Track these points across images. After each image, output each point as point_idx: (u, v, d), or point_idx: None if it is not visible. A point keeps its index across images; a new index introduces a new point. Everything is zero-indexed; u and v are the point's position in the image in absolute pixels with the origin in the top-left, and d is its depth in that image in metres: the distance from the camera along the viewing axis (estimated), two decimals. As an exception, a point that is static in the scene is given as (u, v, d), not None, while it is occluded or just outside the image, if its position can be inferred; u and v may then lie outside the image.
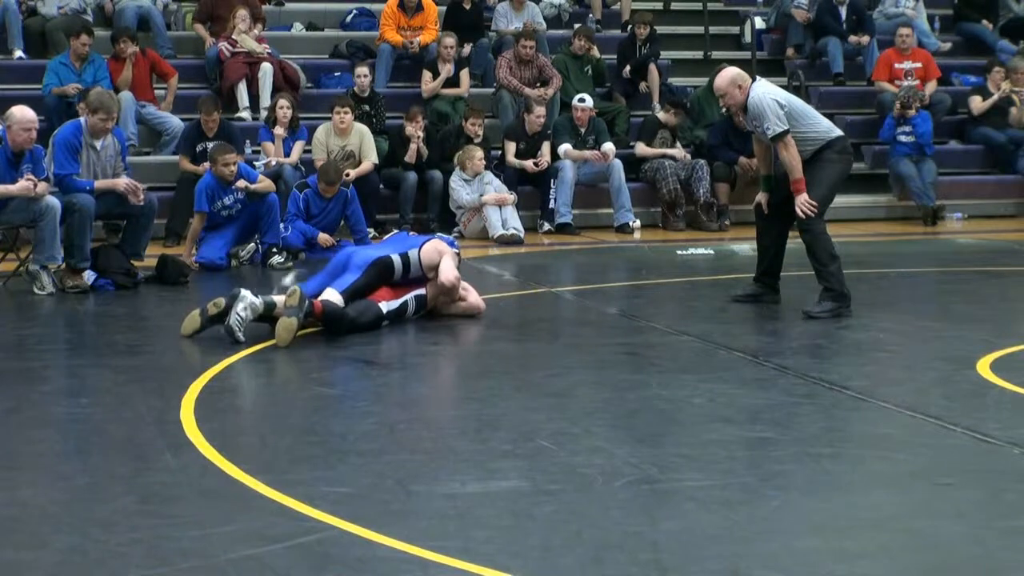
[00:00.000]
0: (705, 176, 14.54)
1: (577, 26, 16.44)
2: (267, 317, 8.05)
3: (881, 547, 4.39)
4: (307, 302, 7.94)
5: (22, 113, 10.09)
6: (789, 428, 6.14)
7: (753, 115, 8.95)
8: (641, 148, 14.75)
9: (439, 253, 8.70)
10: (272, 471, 5.24)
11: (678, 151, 14.69)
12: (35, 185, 9.90)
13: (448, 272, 8.60)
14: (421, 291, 8.65)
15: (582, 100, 14.66)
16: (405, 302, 8.57)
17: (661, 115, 14.91)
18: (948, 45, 17.64)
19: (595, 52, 15.78)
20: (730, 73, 9.11)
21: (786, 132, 8.82)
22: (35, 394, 6.87)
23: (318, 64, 16.05)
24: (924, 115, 15.36)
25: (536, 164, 14.16)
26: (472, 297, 8.88)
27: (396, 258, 8.57)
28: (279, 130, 13.42)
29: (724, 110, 14.77)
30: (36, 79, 14.30)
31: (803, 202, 8.84)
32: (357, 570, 4.22)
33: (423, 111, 14.46)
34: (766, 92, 8.94)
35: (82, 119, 10.72)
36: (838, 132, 9.23)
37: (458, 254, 9.01)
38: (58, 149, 10.35)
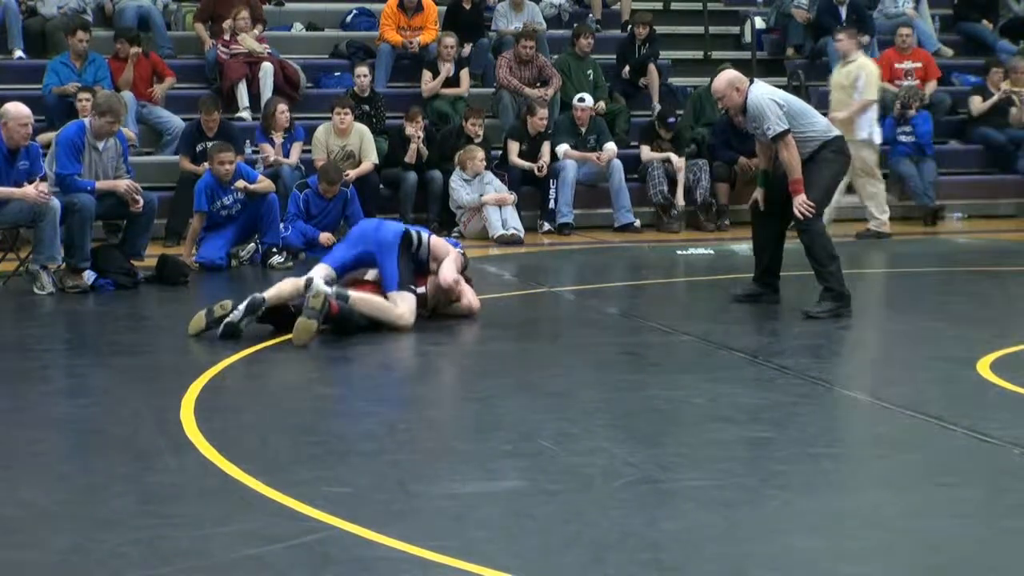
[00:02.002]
0: (704, 176, 14.53)
1: (576, 25, 16.43)
2: (276, 314, 8.09)
3: (881, 547, 4.39)
4: (327, 305, 7.95)
5: (17, 109, 10.08)
6: (789, 428, 6.13)
7: (752, 116, 8.95)
8: (645, 152, 14.72)
9: (446, 250, 8.75)
10: (272, 471, 5.24)
11: (676, 158, 14.60)
12: (40, 194, 9.88)
13: (448, 273, 8.62)
14: (421, 289, 8.66)
15: (582, 100, 14.67)
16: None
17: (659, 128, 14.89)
18: (950, 52, 17.59)
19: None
20: (728, 75, 9.12)
21: (787, 131, 8.82)
22: (35, 394, 6.88)
23: (318, 64, 16.05)
24: (924, 115, 15.36)
25: (539, 169, 14.15)
26: (467, 299, 8.85)
27: (414, 233, 8.62)
28: (278, 139, 13.41)
29: (723, 111, 14.77)
30: (36, 79, 14.30)
31: (801, 203, 8.84)
32: (357, 570, 4.23)
33: (423, 111, 14.46)
34: (764, 92, 8.96)
35: (85, 120, 10.73)
36: (836, 132, 9.23)
37: (463, 254, 9.02)
38: (61, 149, 10.36)
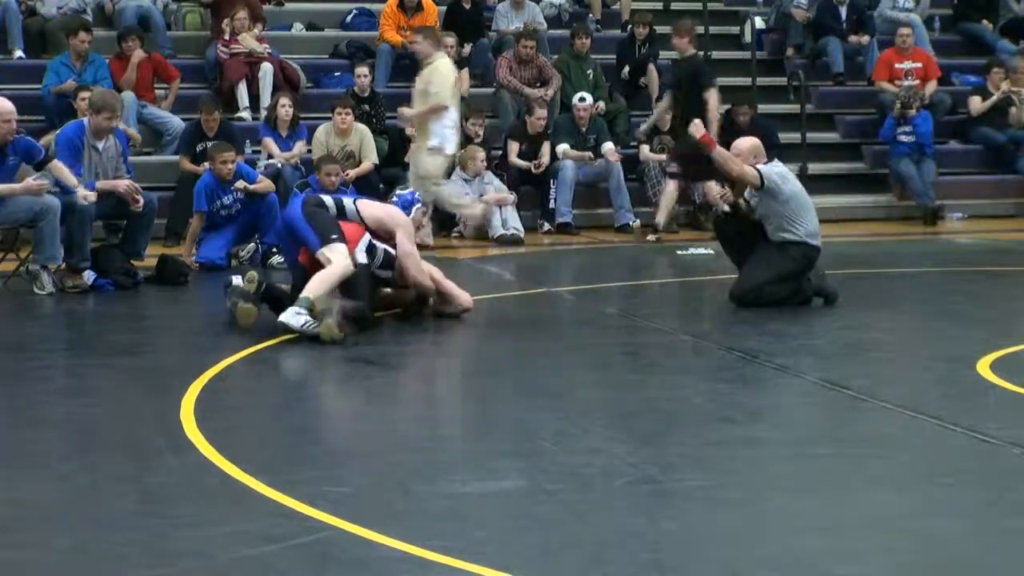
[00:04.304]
0: (701, 176, 14.50)
1: (575, 25, 16.42)
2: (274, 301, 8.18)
3: (881, 547, 4.39)
4: (337, 303, 7.99)
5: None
6: (789, 428, 6.14)
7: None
8: (644, 152, 14.72)
9: (392, 220, 8.59)
10: (272, 471, 5.23)
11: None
12: (37, 185, 9.89)
13: (410, 272, 8.49)
14: (392, 250, 8.55)
15: (582, 99, 14.66)
16: (372, 244, 8.44)
17: (656, 117, 14.88)
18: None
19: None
20: (754, 142, 9.46)
21: (761, 179, 8.99)
22: (35, 394, 6.87)
23: (318, 64, 16.04)
24: (924, 115, 15.35)
25: (537, 166, 14.15)
26: (458, 300, 8.74)
27: (327, 198, 8.58)
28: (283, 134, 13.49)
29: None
30: (36, 79, 14.29)
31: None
32: (357, 570, 4.23)
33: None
34: (781, 170, 9.22)
35: (84, 120, 10.73)
36: (815, 243, 9.22)
37: (424, 210, 9.00)
38: (60, 149, 10.36)
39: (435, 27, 14.04)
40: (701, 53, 13.73)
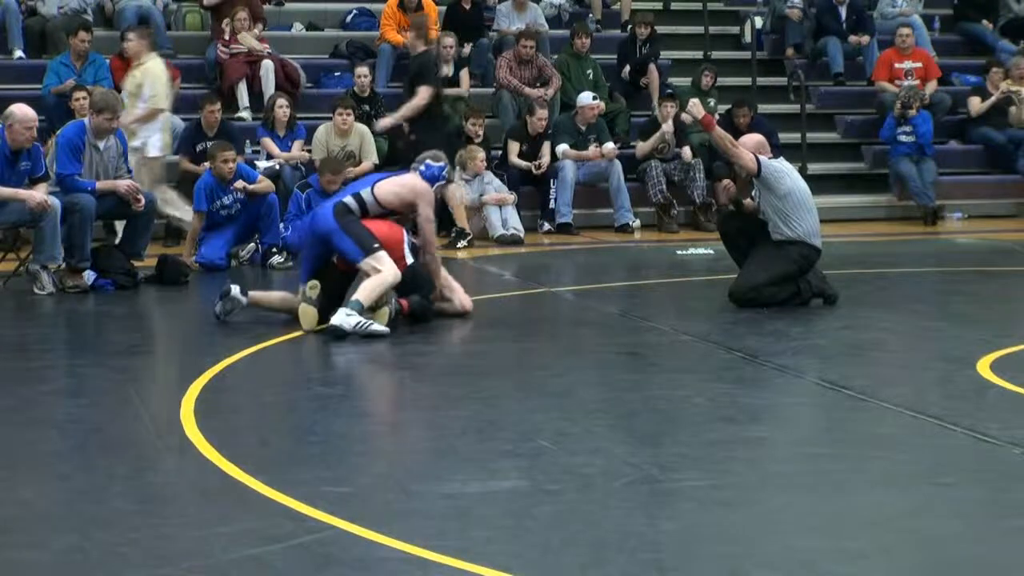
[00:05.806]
0: (700, 177, 14.50)
1: (575, 25, 16.41)
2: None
3: (881, 547, 4.39)
4: (394, 301, 8.16)
5: (23, 112, 10.08)
6: (789, 428, 6.14)
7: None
8: (640, 148, 14.73)
9: (408, 190, 8.59)
10: (272, 471, 5.24)
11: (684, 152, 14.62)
12: (43, 201, 9.86)
13: (428, 234, 8.59)
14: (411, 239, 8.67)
15: (595, 97, 14.64)
16: (412, 243, 8.61)
17: (659, 116, 14.88)
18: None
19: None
20: (760, 138, 9.48)
21: (759, 167, 8.98)
22: (35, 394, 6.87)
23: (318, 64, 16.04)
24: (924, 115, 15.35)
25: (538, 167, 14.15)
26: (458, 299, 8.77)
27: (350, 200, 8.52)
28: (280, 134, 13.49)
29: (720, 111, 14.84)
30: (36, 79, 14.29)
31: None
32: (357, 570, 4.23)
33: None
34: (785, 167, 9.23)
35: (85, 120, 10.74)
36: (814, 242, 9.19)
37: (446, 184, 9.05)
38: (61, 149, 10.37)
39: (150, 30, 13.67)
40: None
